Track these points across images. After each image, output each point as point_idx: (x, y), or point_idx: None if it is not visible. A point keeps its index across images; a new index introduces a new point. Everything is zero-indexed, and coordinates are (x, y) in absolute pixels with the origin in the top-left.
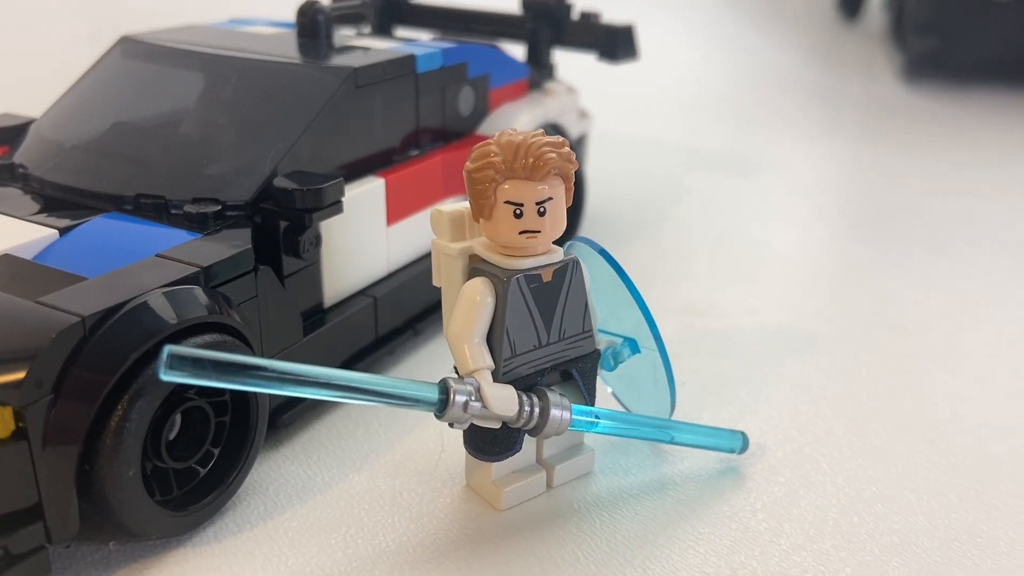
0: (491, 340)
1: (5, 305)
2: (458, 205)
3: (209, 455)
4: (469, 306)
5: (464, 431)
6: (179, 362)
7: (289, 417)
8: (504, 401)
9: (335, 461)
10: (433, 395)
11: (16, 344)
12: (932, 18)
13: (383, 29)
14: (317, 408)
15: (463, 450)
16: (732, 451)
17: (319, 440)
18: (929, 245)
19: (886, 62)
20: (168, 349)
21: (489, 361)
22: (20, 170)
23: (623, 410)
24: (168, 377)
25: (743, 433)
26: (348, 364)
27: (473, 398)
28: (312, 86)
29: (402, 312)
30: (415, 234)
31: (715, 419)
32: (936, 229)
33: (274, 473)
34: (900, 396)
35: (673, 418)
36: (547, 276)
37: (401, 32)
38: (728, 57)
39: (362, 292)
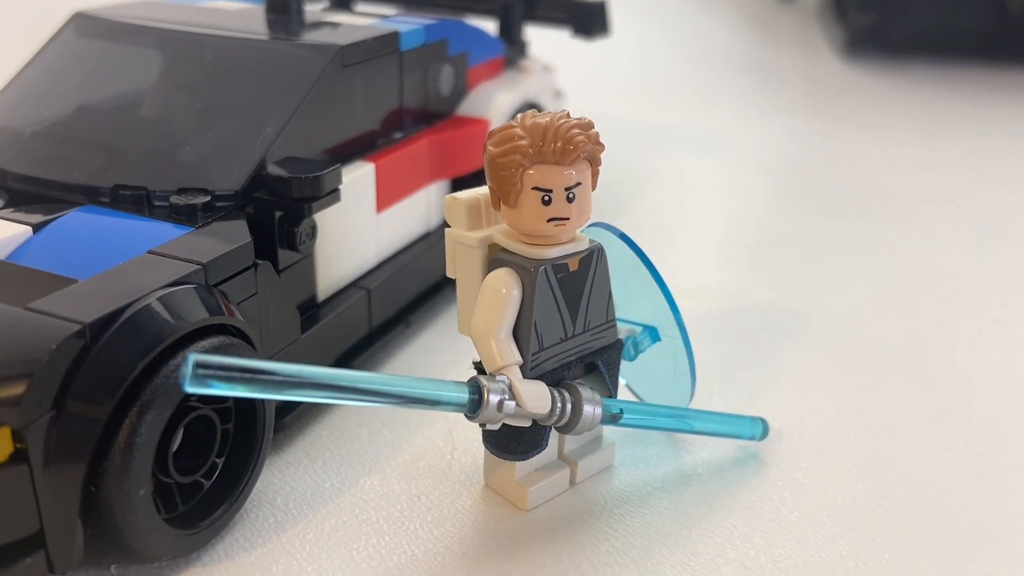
0: (517, 334)
1: None
2: (474, 191)
3: (213, 466)
4: (495, 299)
5: (487, 430)
6: (205, 372)
7: (290, 419)
8: (538, 398)
9: (343, 465)
10: (464, 395)
11: (11, 357)
12: None
13: (342, 3)
14: (316, 409)
15: (475, 448)
16: (752, 438)
17: (322, 443)
18: (895, 220)
19: (824, 39)
20: (192, 358)
21: (518, 356)
22: None
23: (637, 400)
24: (192, 388)
25: (763, 419)
26: (343, 360)
27: (507, 396)
28: (297, 65)
29: (394, 303)
30: (403, 221)
31: (725, 405)
32: (898, 204)
33: (279, 481)
34: (899, 374)
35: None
36: (573, 265)
37: (360, 7)
38: (667, 35)
39: (354, 284)
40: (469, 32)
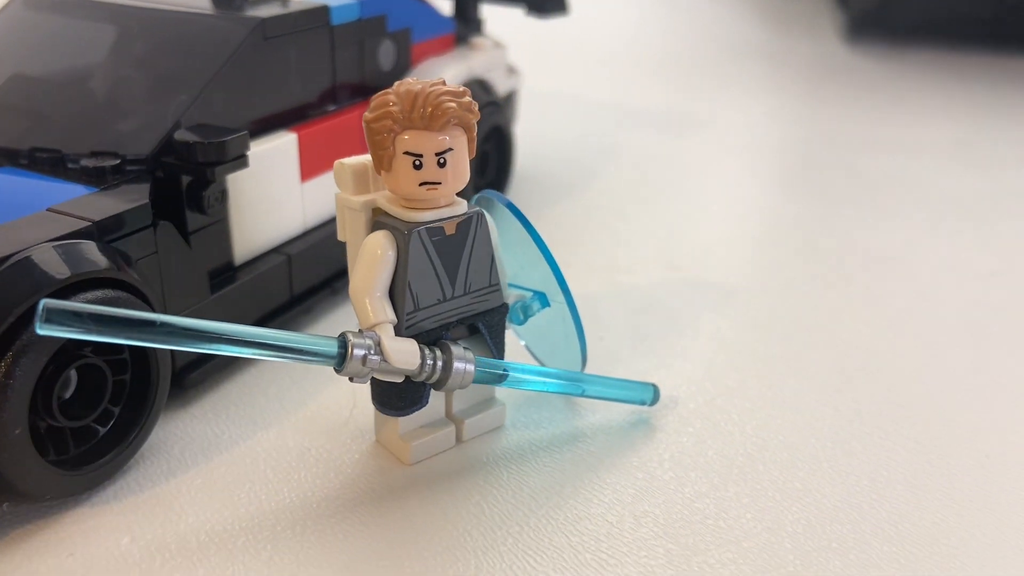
0: (393, 294)
1: None
2: (361, 157)
3: (109, 414)
4: (370, 259)
5: (372, 387)
6: (56, 315)
7: (197, 376)
8: (405, 355)
9: (245, 419)
10: (332, 349)
11: None
12: None
13: None
14: (229, 367)
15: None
16: (643, 403)
17: (229, 399)
18: (856, 201)
19: (828, 22)
20: (44, 303)
21: (391, 315)
22: None
23: (536, 364)
24: (44, 331)
25: (654, 385)
26: (261, 322)
27: (372, 352)
28: (217, 37)
29: (319, 270)
30: (332, 191)
31: (630, 372)
32: (866, 186)
33: (180, 432)
34: (813, 348)
35: (586, 372)
36: (450, 229)
37: None
38: (665, 15)
39: (276, 250)
40: (415, 8)
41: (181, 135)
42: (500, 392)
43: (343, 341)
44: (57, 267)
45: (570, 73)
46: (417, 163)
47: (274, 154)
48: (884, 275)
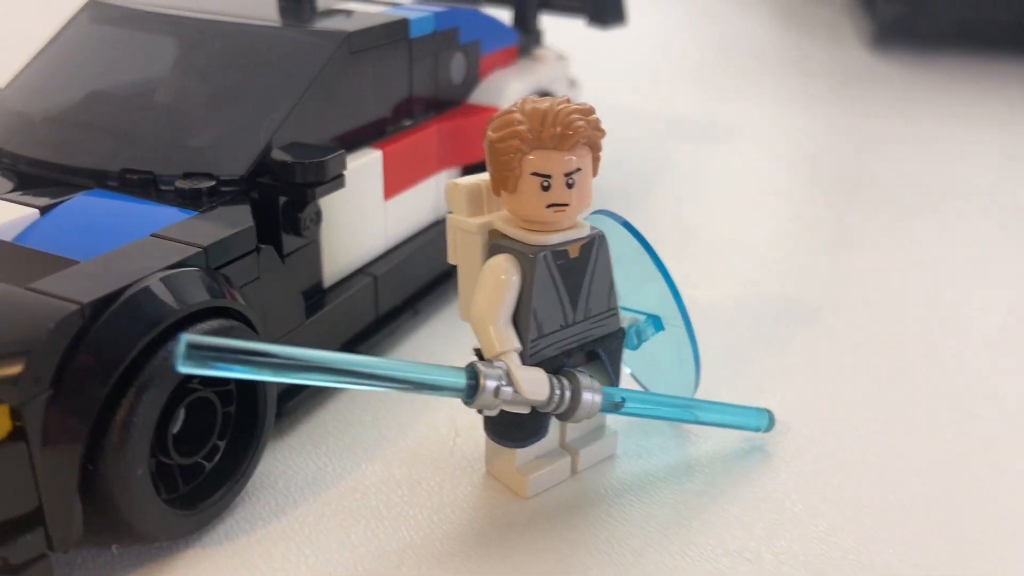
0: (516, 320)
1: None
2: (475, 177)
3: (215, 449)
4: (494, 285)
5: (487, 418)
6: (197, 352)
7: (293, 404)
8: (535, 385)
9: (345, 450)
10: (461, 381)
11: (10, 335)
12: None
13: None
14: (321, 394)
15: (478, 435)
16: (758, 430)
17: (326, 428)
18: (917, 212)
19: (853, 30)
20: (185, 338)
21: (516, 343)
22: None
23: (642, 390)
24: (186, 368)
25: (768, 411)
26: (349, 346)
27: (504, 382)
28: (304, 52)
29: (401, 290)
30: (412, 209)
31: (731, 395)
32: (921, 196)
33: (281, 465)
34: (913, 366)
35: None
36: (574, 252)
37: None
38: (694, 24)
39: (361, 271)
40: (481, 20)
41: (278, 155)
42: (609, 419)
43: (473, 372)
44: (175, 297)
45: (595, 82)
46: (545, 184)
47: (361, 172)
48: (965, 288)
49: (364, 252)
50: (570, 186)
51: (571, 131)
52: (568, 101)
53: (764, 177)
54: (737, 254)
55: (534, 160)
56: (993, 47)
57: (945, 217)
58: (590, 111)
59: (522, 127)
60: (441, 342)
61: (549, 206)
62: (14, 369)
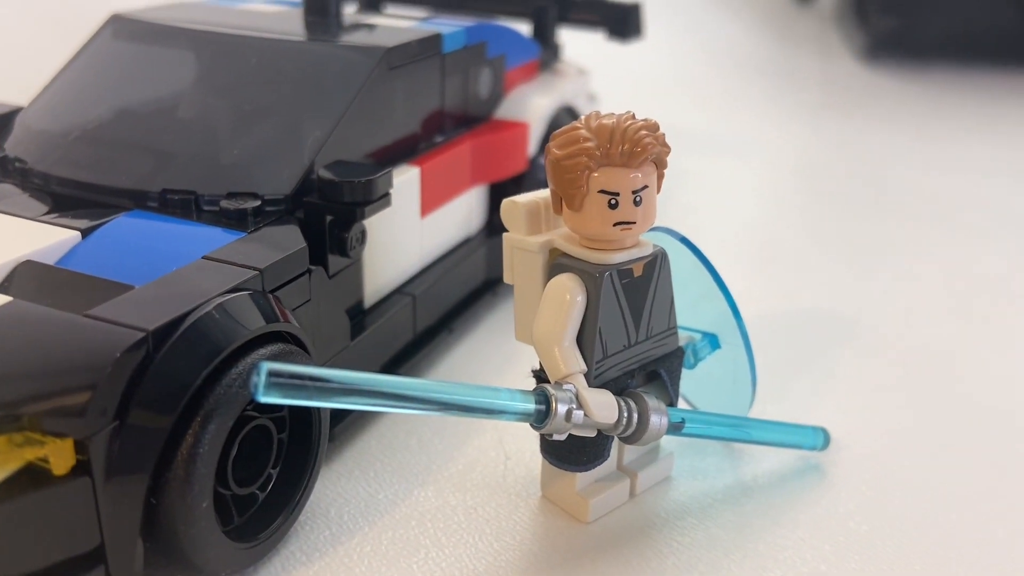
0: (581, 342)
1: (52, 320)
2: (533, 195)
3: (268, 477)
4: (558, 305)
5: (545, 441)
6: (278, 380)
7: (340, 429)
8: (605, 408)
9: (394, 475)
10: (531, 405)
11: (73, 365)
12: None
13: (372, 6)
14: (363, 419)
15: (528, 458)
16: (814, 448)
17: (372, 454)
18: (930, 223)
19: (843, 43)
20: (266, 367)
21: (583, 364)
22: (15, 164)
23: (694, 409)
24: (267, 398)
25: (824, 429)
26: (390, 367)
27: (574, 405)
28: (344, 67)
29: (437, 310)
30: (445, 226)
31: (779, 413)
32: (929, 207)
33: (332, 492)
34: (959, 381)
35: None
36: (638, 271)
37: (391, 9)
38: (686, 38)
39: (399, 290)
40: (506, 34)
41: (325, 173)
42: (664, 439)
43: (544, 396)
44: (237, 322)
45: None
46: (613, 202)
47: (400, 190)
48: (999, 300)
49: (402, 271)
50: (637, 203)
51: (640, 148)
52: (633, 117)
53: (769, 190)
54: (764, 268)
55: (602, 178)
56: (986, 59)
57: (958, 228)
58: (656, 127)
59: (589, 144)
60: (477, 361)
61: (616, 224)
62: (79, 400)
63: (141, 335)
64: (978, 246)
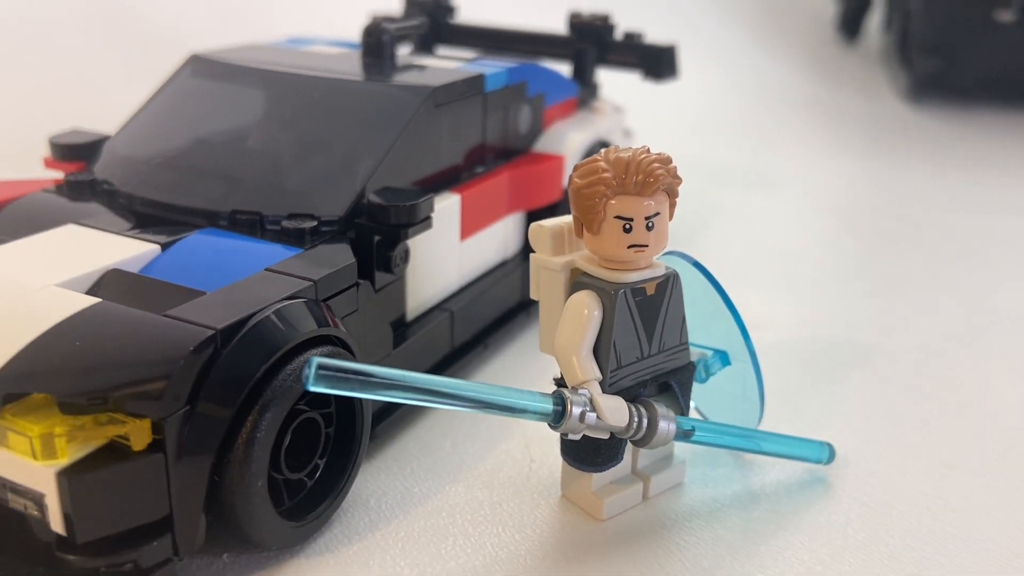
0: (597, 352)
1: (135, 319)
2: (558, 220)
3: (315, 465)
4: (577, 318)
5: (565, 443)
6: (326, 373)
7: (382, 428)
8: (616, 412)
9: (428, 472)
10: (549, 406)
11: (153, 357)
12: (937, 38)
13: (425, 47)
14: (403, 420)
15: (551, 462)
16: (820, 461)
17: (409, 452)
18: (959, 259)
19: (888, 82)
20: (316, 361)
21: (598, 373)
22: (104, 186)
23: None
24: (316, 388)
25: (830, 444)
26: None
27: (588, 408)
28: (394, 105)
29: (473, 325)
30: (483, 249)
31: (791, 431)
32: (961, 244)
33: (372, 485)
34: (968, 406)
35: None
36: (650, 289)
37: (443, 51)
38: (730, 77)
39: (439, 306)
40: (546, 74)
41: (373, 198)
42: (677, 448)
43: (560, 398)
44: (292, 326)
45: (642, 131)
46: (627, 227)
47: (442, 214)
48: (1013, 336)
49: (442, 288)
50: (649, 228)
51: (652, 179)
52: (648, 151)
53: (807, 225)
54: (787, 297)
55: (618, 205)
56: None
57: (988, 264)
58: (668, 160)
59: (607, 175)
60: (510, 375)
61: (630, 247)
62: (156, 387)
63: (211, 333)
64: (1004, 283)
